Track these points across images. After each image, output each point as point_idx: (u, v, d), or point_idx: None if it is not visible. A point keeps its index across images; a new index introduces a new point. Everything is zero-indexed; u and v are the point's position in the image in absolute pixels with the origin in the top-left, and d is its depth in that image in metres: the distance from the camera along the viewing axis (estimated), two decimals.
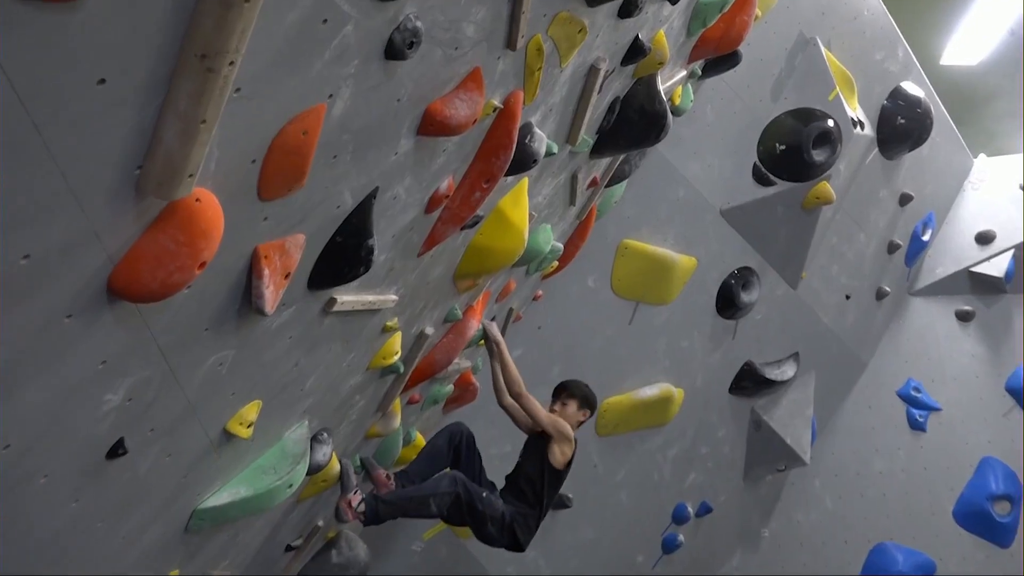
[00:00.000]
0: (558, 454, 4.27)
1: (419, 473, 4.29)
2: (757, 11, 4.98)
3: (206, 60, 1.44)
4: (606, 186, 5.55)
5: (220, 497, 2.80)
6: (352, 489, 3.92)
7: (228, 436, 2.62)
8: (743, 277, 7.59)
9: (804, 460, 8.22)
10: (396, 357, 3.71)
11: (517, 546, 4.22)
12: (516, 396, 4.41)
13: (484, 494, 4.11)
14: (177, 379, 2.15)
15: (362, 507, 3.91)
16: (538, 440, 4.36)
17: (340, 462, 3.88)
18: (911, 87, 7.91)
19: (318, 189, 2.13)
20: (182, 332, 2.03)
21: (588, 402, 4.51)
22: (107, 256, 1.63)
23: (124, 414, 2.02)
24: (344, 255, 2.47)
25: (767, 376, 8.09)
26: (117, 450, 2.09)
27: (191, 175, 1.58)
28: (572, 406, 4.46)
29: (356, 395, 3.71)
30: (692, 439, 8.03)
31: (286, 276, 2.23)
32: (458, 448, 4.38)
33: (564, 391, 4.55)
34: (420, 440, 5.50)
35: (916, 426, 8.79)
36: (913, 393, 8.85)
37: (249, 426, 2.67)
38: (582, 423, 4.51)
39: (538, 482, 4.24)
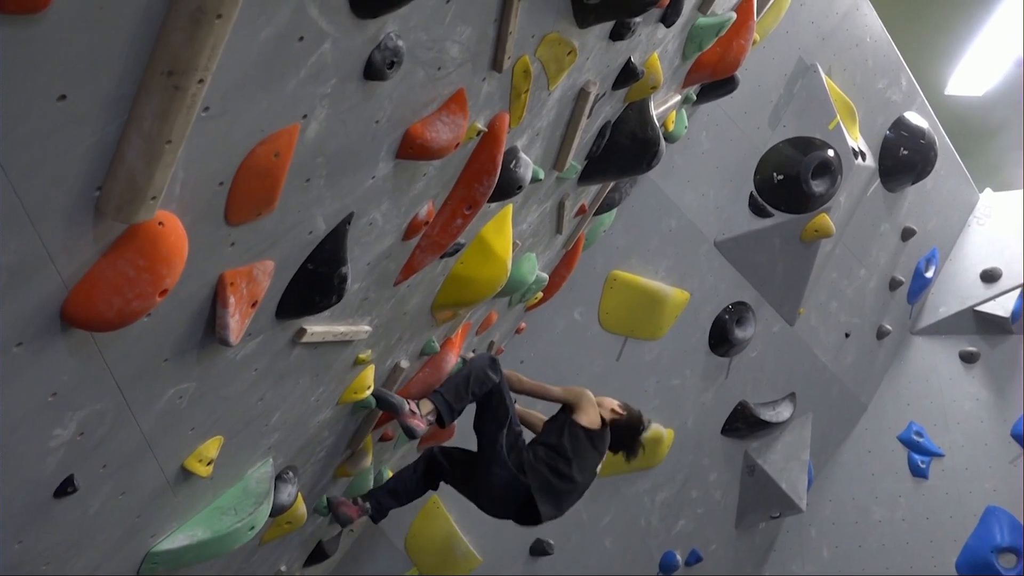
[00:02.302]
0: (583, 418, 4.37)
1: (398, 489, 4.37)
2: (755, 35, 5.05)
3: (173, 77, 1.45)
4: (595, 214, 5.58)
5: (176, 539, 2.76)
6: (405, 404, 3.96)
7: (186, 474, 2.59)
8: (738, 312, 7.62)
9: (800, 507, 8.22)
10: (368, 391, 3.70)
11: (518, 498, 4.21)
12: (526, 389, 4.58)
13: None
14: (132, 413, 2.13)
15: (431, 409, 4.07)
16: (557, 416, 4.50)
17: (377, 393, 3.89)
18: (915, 117, 8.03)
19: (289, 214, 2.13)
20: (140, 363, 2.01)
21: (629, 409, 4.62)
22: (61, 281, 1.62)
23: (74, 450, 2.00)
24: (316, 283, 2.46)
25: (762, 417, 8.10)
26: (66, 488, 2.06)
27: (154, 197, 1.58)
28: (612, 401, 4.59)
29: (325, 431, 3.69)
30: (682, 483, 8.01)
31: (253, 305, 2.23)
32: (433, 462, 4.49)
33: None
34: None
35: (918, 473, 8.81)
36: (915, 438, 8.88)
37: (209, 464, 2.64)
38: (615, 419, 4.54)
39: (560, 448, 4.27)
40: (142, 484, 2.42)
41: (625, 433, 4.60)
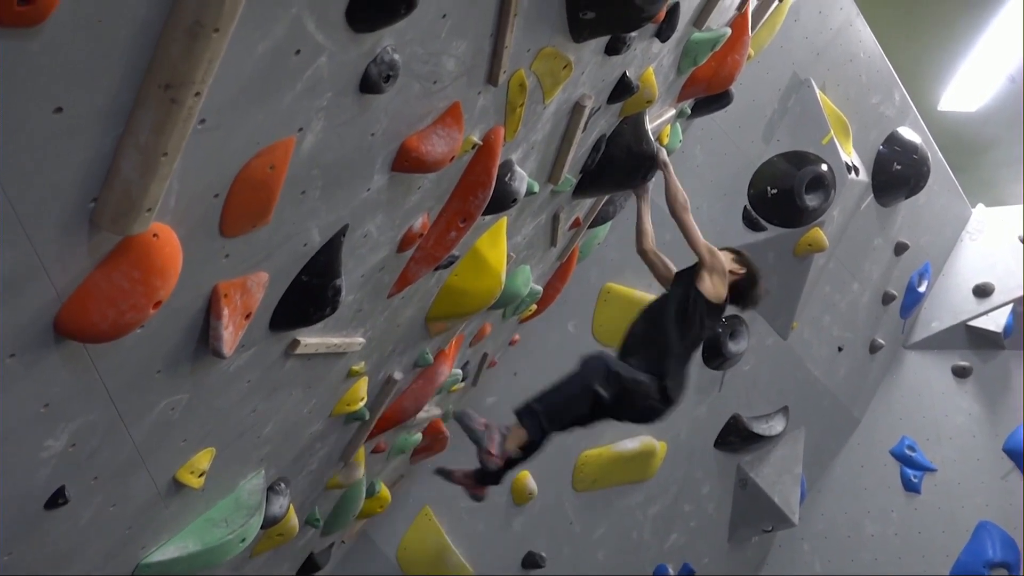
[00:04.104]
0: (708, 283, 4.13)
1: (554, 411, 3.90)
2: (750, 50, 5.07)
3: (170, 90, 1.45)
4: (589, 227, 5.59)
5: (166, 551, 2.75)
6: (486, 438, 3.78)
7: (177, 486, 2.59)
8: (731, 326, 7.63)
9: (792, 521, 8.21)
10: (361, 403, 3.69)
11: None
12: (676, 215, 4.31)
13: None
14: (125, 424, 2.12)
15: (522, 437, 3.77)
16: (679, 282, 4.22)
17: (457, 417, 3.81)
18: (908, 132, 8.06)
19: (284, 226, 2.13)
20: (132, 374, 2.01)
21: (743, 258, 4.34)
22: (55, 292, 1.62)
23: (66, 461, 2.00)
24: (310, 295, 2.46)
25: (755, 431, 8.10)
26: (57, 499, 2.06)
27: (149, 209, 1.59)
28: (725, 254, 4.30)
29: (317, 443, 3.68)
30: (674, 496, 8.00)
31: (247, 316, 2.23)
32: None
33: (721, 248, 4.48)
34: (384, 492, 5.45)
35: (910, 487, 8.82)
36: (907, 452, 8.89)
37: (200, 475, 2.64)
38: (734, 277, 4.25)
39: (677, 323, 4.02)
40: (133, 496, 2.41)
41: (744, 289, 4.34)
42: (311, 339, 2.75)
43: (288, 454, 3.40)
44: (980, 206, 9.41)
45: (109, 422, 2.06)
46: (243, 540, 2.96)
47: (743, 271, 4.31)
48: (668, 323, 4.11)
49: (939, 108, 9.22)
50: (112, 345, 1.81)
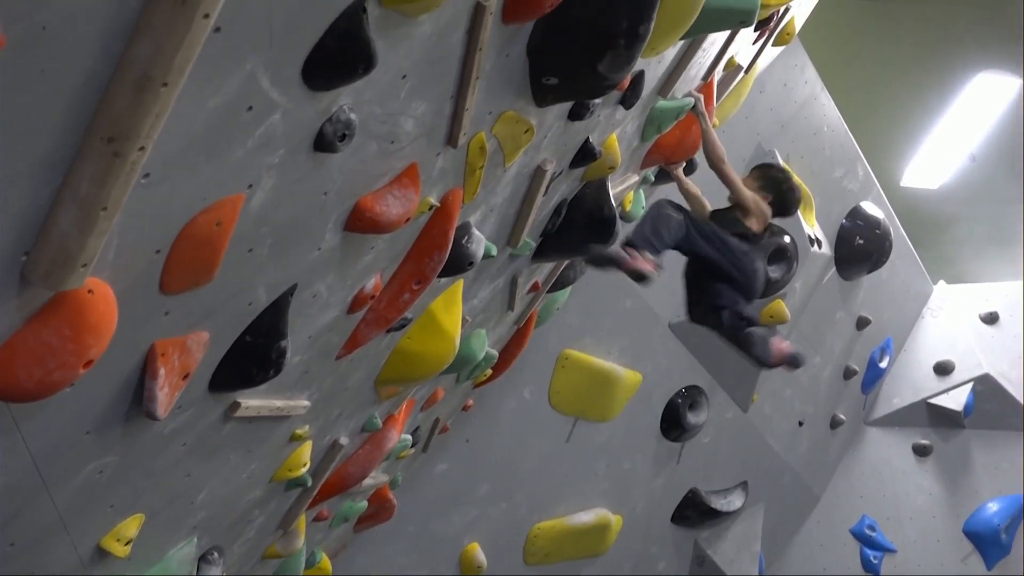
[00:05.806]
0: (752, 224, 4.43)
1: None
2: (715, 120, 5.18)
3: (113, 144, 1.44)
4: (549, 292, 5.61)
5: None
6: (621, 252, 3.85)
7: (102, 554, 2.50)
8: (691, 397, 7.66)
9: None
10: (304, 469, 3.62)
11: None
12: (715, 167, 4.49)
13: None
14: (48, 488, 2.06)
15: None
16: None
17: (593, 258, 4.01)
18: (871, 207, 8.27)
19: (229, 284, 2.11)
20: (58, 435, 1.96)
21: (768, 183, 4.62)
22: None
23: None
24: (253, 356, 2.43)
25: (713, 506, 8.09)
26: None
27: (85, 265, 1.56)
28: (752, 184, 4.60)
29: (255, 510, 3.59)
30: (630, 572, 7.92)
31: (184, 377, 2.18)
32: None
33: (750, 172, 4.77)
34: (325, 562, 5.33)
35: (870, 568, 8.84)
36: (867, 532, 8.93)
37: (127, 543, 2.56)
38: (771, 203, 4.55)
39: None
40: (53, 564, 2.33)
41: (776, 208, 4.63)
42: (253, 401, 2.70)
43: (223, 521, 3.32)
44: (941, 283, 9.64)
45: (31, 486, 2.00)
46: None
47: (771, 197, 4.61)
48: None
49: (902, 184, 9.48)
50: (38, 404, 1.76)
